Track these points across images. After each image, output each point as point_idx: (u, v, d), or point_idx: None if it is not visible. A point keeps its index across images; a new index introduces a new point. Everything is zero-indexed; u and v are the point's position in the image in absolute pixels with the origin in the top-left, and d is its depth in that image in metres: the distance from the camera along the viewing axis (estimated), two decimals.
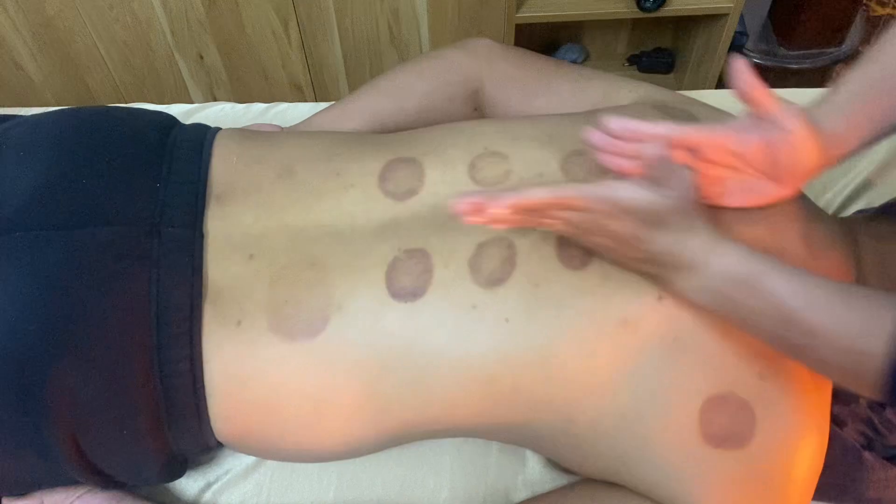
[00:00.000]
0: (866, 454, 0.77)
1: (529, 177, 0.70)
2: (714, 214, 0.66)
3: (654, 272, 0.64)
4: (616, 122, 0.64)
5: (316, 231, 0.70)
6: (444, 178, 0.71)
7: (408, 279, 0.66)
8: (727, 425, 0.64)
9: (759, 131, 0.63)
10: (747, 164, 0.64)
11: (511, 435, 0.72)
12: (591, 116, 0.75)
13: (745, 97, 0.64)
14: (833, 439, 0.72)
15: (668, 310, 0.64)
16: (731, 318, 0.61)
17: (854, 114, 0.64)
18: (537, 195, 0.60)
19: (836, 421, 0.77)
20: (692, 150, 0.64)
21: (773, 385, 0.64)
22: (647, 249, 0.62)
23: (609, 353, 0.65)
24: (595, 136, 0.65)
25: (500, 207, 0.60)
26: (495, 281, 0.66)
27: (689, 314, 0.64)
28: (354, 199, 0.71)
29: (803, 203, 0.74)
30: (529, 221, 0.63)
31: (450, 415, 0.68)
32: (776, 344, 0.59)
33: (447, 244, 0.67)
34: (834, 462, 0.71)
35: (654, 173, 0.61)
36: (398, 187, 0.71)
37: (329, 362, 0.66)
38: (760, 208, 0.68)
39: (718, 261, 0.60)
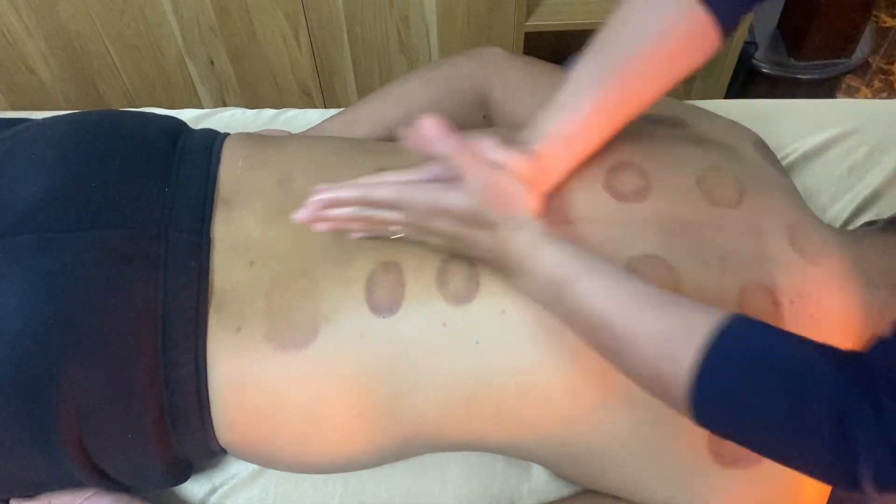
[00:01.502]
0: None
1: None
2: (681, 228, 0.67)
3: (498, 270, 0.64)
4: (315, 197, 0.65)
5: (308, 239, 0.70)
6: None
7: (383, 293, 0.66)
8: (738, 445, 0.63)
9: (469, 180, 0.61)
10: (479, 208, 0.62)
11: (507, 451, 0.72)
12: None
13: (443, 157, 0.63)
14: None
15: None
16: (560, 321, 0.60)
17: (583, 108, 0.65)
18: (347, 192, 0.63)
19: None
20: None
21: None
22: (476, 248, 0.62)
23: (599, 383, 0.64)
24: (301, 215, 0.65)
25: (314, 207, 0.64)
26: (462, 299, 0.66)
27: None
28: None
29: (795, 209, 0.73)
30: (371, 222, 0.65)
31: (440, 432, 0.68)
32: (594, 348, 0.58)
33: (416, 257, 0.67)
34: None
35: (454, 175, 0.61)
36: None
37: (320, 374, 0.66)
38: (736, 216, 0.69)
39: (536, 263, 0.59)
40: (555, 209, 0.68)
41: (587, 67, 0.66)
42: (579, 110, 0.65)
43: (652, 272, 0.65)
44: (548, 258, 0.58)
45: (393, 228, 0.65)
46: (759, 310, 0.65)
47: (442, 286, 0.66)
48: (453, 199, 0.61)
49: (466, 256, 0.65)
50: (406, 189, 0.63)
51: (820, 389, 0.47)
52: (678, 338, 0.51)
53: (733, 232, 0.69)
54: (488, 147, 0.63)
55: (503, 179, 0.61)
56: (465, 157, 0.61)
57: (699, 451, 0.64)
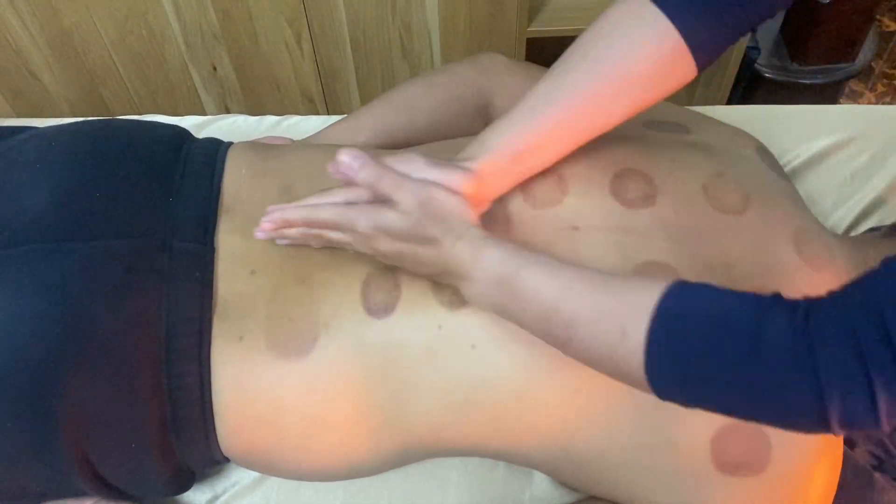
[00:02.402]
0: (877, 476, 0.76)
1: (499, 201, 0.69)
2: (688, 234, 0.67)
3: (448, 284, 0.65)
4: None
5: (307, 248, 0.70)
6: None
7: (380, 295, 0.67)
8: (741, 453, 0.63)
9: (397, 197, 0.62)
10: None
11: (506, 457, 0.72)
12: None
13: (362, 183, 0.63)
14: (843, 460, 0.71)
15: None
16: (512, 321, 0.61)
17: (537, 125, 0.65)
18: (293, 213, 0.66)
19: (846, 441, 0.77)
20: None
21: None
22: (422, 265, 0.63)
23: (600, 391, 0.64)
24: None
25: (266, 228, 0.67)
26: (457, 303, 0.66)
27: None
28: None
29: (800, 215, 0.73)
30: (321, 239, 0.67)
31: (438, 436, 0.68)
32: (551, 343, 0.58)
33: None
34: (844, 483, 0.71)
35: (385, 194, 0.62)
36: None
37: (320, 381, 0.66)
38: (742, 222, 0.68)
39: (482, 265, 0.59)
40: (562, 216, 0.68)
41: (550, 84, 0.66)
42: (531, 128, 0.65)
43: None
44: (491, 257, 0.59)
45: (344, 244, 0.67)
46: None
47: (437, 290, 0.66)
48: (390, 218, 0.61)
49: (418, 274, 0.65)
50: (346, 211, 0.64)
51: (773, 329, 0.46)
52: (625, 313, 0.51)
53: (740, 238, 0.68)
54: (419, 166, 0.63)
55: (436, 194, 0.61)
56: (390, 181, 0.62)
57: (701, 459, 0.63)
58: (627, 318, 0.51)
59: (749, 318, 0.47)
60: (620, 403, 0.64)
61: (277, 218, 0.66)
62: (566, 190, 0.69)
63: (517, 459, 0.72)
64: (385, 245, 0.62)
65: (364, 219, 0.62)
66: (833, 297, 0.47)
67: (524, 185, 0.69)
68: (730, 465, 0.63)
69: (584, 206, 0.69)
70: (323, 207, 0.65)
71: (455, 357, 0.65)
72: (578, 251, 0.67)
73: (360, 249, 0.65)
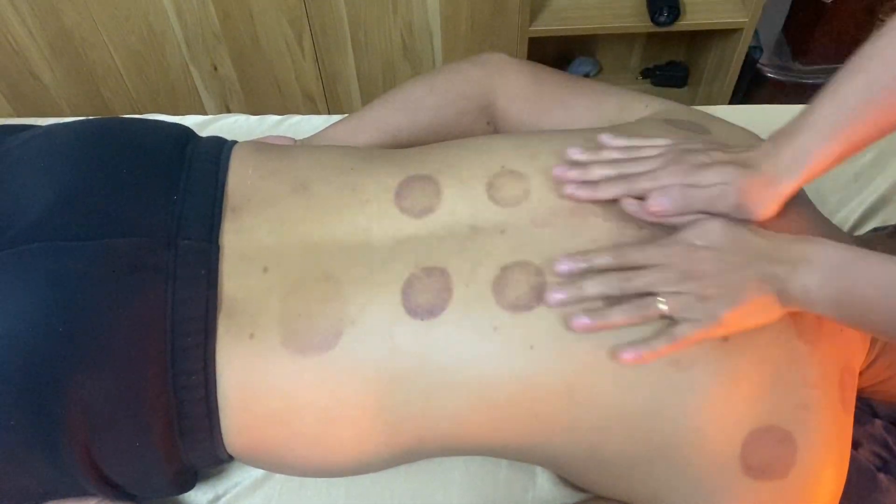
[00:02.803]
0: (881, 476, 0.76)
1: (548, 196, 0.70)
2: None
3: (771, 284, 0.62)
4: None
5: (331, 245, 0.69)
6: (463, 197, 0.70)
7: (425, 297, 0.66)
8: (769, 457, 0.63)
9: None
10: None
11: (525, 455, 0.72)
12: (599, 132, 0.75)
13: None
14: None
15: (731, 347, 0.62)
16: (850, 310, 0.60)
17: (834, 132, 0.63)
18: (599, 260, 0.64)
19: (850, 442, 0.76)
20: None
21: (814, 414, 0.63)
22: (746, 264, 0.62)
23: (652, 387, 0.63)
24: (559, 171, 0.68)
25: (562, 273, 0.64)
26: (522, 307, 0.65)
27: (749, 349, 0.62)
28: (370, 214, 0.71)
29: (810, 216, 0.73)
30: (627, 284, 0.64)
31: (461, 432, 0.68)
32: None
33: (468, 264, 0.67)
34: (848, 484, 0.70)
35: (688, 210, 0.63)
36: (415, 204, 0.71)
37: (340, 377, 0.66)
38: (789, 225, 0.68)
39: (824, 248, 0.60)
40: (623, 213, 0.68)
41: (846, 90, 0.64)
42: (846, 137, 0.63)
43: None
44: (827, 244, 0.60)
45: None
46: (806, 325, 0.65)
47: (499, 293, 0.65)
48: (714, 224, 0.63)
49: (734, 281, 0.62)
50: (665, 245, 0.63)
51: None
52: None
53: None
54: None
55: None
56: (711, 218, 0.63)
57: (730, 461, 0.63)
58: None
59: None
60: (669, 398, 0.63)
61: (570, 269, 0.64)
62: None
63: (533, 458, 0.72)
64: (705, 258, 0.62)
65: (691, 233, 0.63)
66: None
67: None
68: (756, 468, 0.63)
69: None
70: (634, 250, 0.64)
71: (510, 357, 0.64)
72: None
73: (670, 288, 0.63)
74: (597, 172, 0.69)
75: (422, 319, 0.65)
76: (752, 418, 0.62)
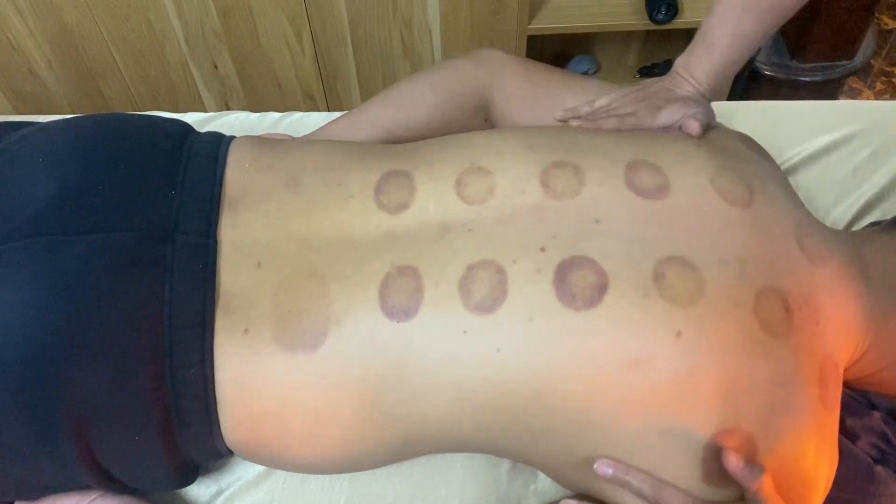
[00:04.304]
0: (878, 468, 0.76)
1: (512, 193, 0.69)
2: (703, 227, 0.67)
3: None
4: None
5: (318, 241, 0.70)
6: (434, 193, 0.71)
7: (400, 298, 0.65)
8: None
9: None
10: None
11: (516, 457, 0.72)
12: (566, 127, 0.76)
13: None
14: (844, 454, 0.71)
15: (686, 344, 0.61)
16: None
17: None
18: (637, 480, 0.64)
19: (848, 434, 0.77)
20: None
21: (785, 415, 0.62)
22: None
23: (615, 392, 0.63)
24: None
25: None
26: (486, 307, 0.64)
27: (707, 345, 0.61)
28: (353, 210, 0.71)
29: (797, 208, 0.73)
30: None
31: (450, 433, 0.68)
32: None
33: (437, 263, 0.67)
34: (845, 477, 0.71)
35: None
36: (391, 200, 0.71)
37: (328, 376, 0.66)
38: (751, 216, 0.69)
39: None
40: (583, 208, 0.68)
41: None
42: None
43: (676, 274, 0.64)
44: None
45: None
46: (771, 316, 0.63)
47: (465, 294, 0.65)
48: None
49: None
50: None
51: None
52: None
53: (750, 232, 0.67)
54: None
55: None
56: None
57: (693, 469, 0.63)
58: None
59: None
60: (635, 401, 0.62)
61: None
62: (582, 181, 0.69)
63: (526, 459, 0.72)
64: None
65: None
66: None
67: (542, 178, 0.70)
68: (716, 475, 0.63)
69: (601, 197, 0.68)
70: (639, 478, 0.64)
71: (478, 360, 0.64)
72: (603, 245, 0.66)
73: None
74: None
75: (398, 322, 0.65)
76: (717, 419, 0.61)
